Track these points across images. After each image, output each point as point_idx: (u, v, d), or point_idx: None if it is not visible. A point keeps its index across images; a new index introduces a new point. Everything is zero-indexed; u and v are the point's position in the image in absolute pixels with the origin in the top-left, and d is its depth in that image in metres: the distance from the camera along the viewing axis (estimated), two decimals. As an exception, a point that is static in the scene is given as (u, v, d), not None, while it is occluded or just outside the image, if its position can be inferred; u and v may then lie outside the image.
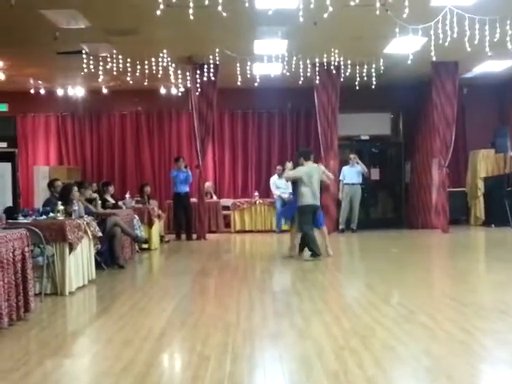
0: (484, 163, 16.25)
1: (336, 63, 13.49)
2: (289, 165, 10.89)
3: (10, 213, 7.61)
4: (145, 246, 11.74)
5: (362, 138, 17.09)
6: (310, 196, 10.08)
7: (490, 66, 14.44)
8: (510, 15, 9.77)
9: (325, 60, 13.41)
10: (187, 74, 14.10)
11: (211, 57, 12.91)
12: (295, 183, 10.46)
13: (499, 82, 16.15)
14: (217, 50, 12.39)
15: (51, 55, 12.28)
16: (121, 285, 8.34)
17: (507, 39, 10.10)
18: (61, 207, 7.62)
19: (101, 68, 12.86)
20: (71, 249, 7.19)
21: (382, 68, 13.27)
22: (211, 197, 16.15)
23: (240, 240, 14.54)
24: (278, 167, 16.09)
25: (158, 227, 12.75)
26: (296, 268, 9.44)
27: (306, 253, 10.18)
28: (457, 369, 4.10)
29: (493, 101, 16.90)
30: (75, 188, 8.59)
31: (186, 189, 14.38)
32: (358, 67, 13.33)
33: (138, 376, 4.06)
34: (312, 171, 10.17)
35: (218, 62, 13.29)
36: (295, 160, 10.75)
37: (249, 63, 12.78)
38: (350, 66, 13.38)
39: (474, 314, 5.78)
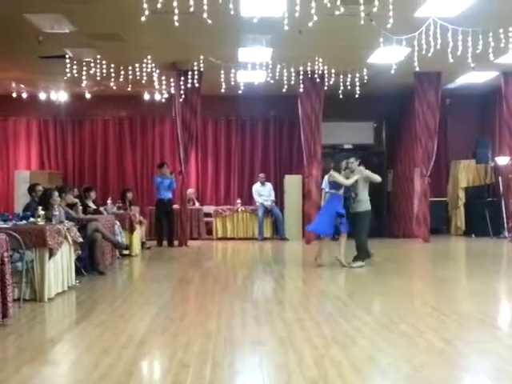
0: (465, 173, 16.40)
1: (320, 72, 13.57)
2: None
3: (-10, 217, 7.55)
4: (126, 252, 11.67)
5: (345, 146, 17.14)
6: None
7: (473, 78, 14.59)
8: (492, 27, 9.88)
9: (309, 68, 13.47)
10: (171, 80, 14.09)
11: (195, 63, 12.89)
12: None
13: (481, 93, 16.31)
14: (201, 56, 12.40)
15: (34, 59, 12.21)
16: (101, 291, 8.27)
17: (489, 51, 10.21)
18: (41, 212, 7.57)
19: (84, 73, 12.81)
20: (51, 254, 7.12)
21: (366, 77, 13.35)
22: (193, 203, 16.12)
23: (222, 247, 14.50)
24: (261, 175, 16.13)
25: (139, 233, 12.70)
26: (277, 276, 9.44)
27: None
28: (437, 378, 4.11)
29: (475, 111, 17.06)
30: (56, 193, 8.52)
31: (170, 195, 14.36)
32: (341, 76, 13.39)
33: (117, 383, 4.02)
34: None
35: (202, 69, 13.27)
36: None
37: (233, 70, 12.81)
38: (333, 75, 13.46)
39: (454, 323, 5.80)
